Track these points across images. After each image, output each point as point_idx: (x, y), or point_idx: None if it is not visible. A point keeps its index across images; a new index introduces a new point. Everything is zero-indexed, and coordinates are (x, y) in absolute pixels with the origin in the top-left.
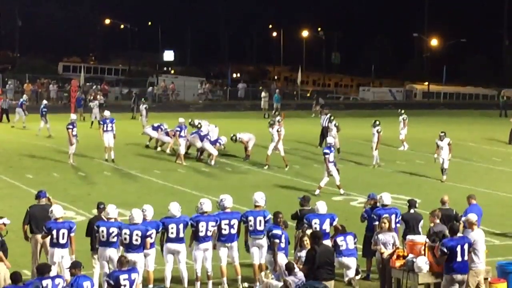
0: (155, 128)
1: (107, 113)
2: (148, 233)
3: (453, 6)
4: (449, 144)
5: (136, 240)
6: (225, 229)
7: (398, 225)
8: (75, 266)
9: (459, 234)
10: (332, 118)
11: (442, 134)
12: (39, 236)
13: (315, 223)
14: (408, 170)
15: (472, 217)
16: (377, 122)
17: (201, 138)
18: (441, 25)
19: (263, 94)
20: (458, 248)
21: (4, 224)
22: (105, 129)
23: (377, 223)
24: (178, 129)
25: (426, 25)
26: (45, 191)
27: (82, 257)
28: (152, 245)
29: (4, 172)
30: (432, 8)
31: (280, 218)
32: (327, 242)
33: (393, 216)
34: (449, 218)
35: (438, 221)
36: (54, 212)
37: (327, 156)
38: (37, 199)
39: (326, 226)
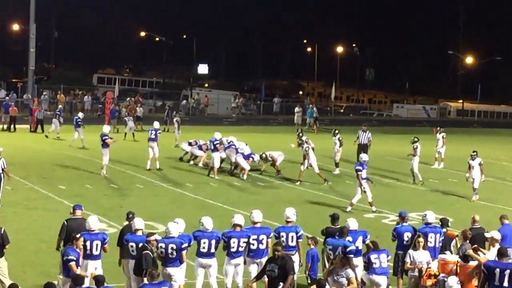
0: (190, 144)
1: (156, 124)
2: (183, 246)
3: (488, 23)
4: (480, 164)
5: (172, 253)
6: (253, 245)
7: (440, 244)
8: (98, 281)
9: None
10: (337, 132)
11: (474, 153)
12: None
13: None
14: (441, 188)
15: (496, 234)
16: (416, 139)
17: (235, 152)
18: (476, 42)
19: (296, 109)
20: (497, 271)
21: (156, 241)
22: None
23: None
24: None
25: (461, 42)
26: (81, 205)
27: (113, 269)
28: None
29: (38, 183)
30: (467, 26)
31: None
32: (360, 260)
33: (437, 235)
34: (479, 237)
35: (464, 241)
36: (90, 223)
37: (359, 172)
38: (73, 212)
39: (359, 243)
